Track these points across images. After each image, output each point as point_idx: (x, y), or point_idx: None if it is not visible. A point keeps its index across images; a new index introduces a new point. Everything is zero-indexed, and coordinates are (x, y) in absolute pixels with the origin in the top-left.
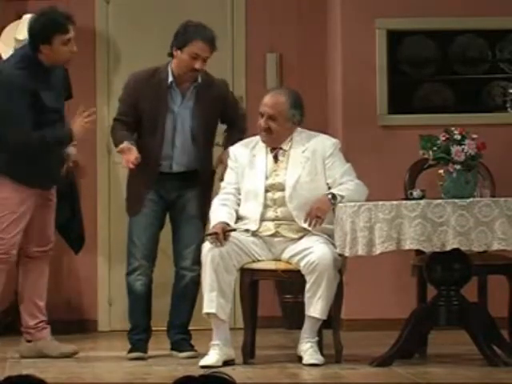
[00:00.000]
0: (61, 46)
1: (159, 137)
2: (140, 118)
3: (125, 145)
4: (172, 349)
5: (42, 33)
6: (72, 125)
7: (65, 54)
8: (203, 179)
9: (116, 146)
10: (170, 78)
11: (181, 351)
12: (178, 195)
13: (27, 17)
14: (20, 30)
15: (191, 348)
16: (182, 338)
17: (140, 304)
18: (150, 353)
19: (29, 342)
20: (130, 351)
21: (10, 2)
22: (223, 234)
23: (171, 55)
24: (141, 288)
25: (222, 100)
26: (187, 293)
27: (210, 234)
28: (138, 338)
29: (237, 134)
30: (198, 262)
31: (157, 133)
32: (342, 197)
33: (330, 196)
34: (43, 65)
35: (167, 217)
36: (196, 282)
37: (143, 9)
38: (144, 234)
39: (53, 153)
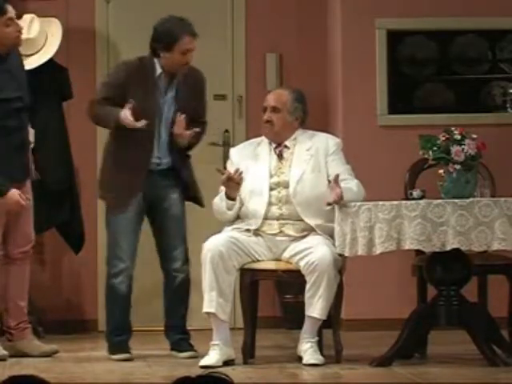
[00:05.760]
0: (4, 28)
1: (149, 131)
2: (122, 107)
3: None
4: (172, 349)
5: None
6: None
7: (12, 35)
8: (183, 178)
9: (110, 118)
10: (159, 70)
11: (181, 351)
12: (160, 196)
13: (27, 17)
14: None
15: (191, 348)
16: (181, 338)
17: (124, 305)
18: (150, 353)
19: (10, 341)
20: (115, 352)
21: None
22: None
23: (155, 55)
24: (125, 290)
25: (196, 88)
26: (181, 294)
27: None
28: (121, 339)
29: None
30: (187, 261)
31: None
32: (344, 194)
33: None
34: None
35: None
36: (188, 281)
37: (143, 9)
38: (129, 235)
39: (16, 143)
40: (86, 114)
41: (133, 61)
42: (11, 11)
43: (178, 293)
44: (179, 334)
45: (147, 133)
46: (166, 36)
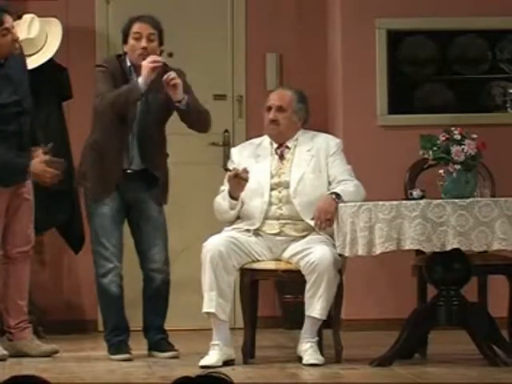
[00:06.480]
0: (1, 38)
1: (124, 128)
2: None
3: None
4: (152, 349)
5: None
6: (34, 162)
7: (8, 45)
8: (160, 180)
9: (125, 91)
10: (128, 64)
11: (162, 351)
12: (136, 197)
13: (27, 17)
14: (20, 30)
15: (172, 348)
16: (162, 338)
17: (118, 305)
18: (150, 353)
19: (10, 340)
20: (116, 353)
21: (10, 2)
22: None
23: (124, 53)
24: (117, 289)
25: None
26: (160, 294)
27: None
28: (120, 339)
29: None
30: (167, 261)
31: (122, 124)
32: (343, 196)
33: (333, 196)
34: None
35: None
36: (167, 282)
37: (143, 9)
38: (112, 235)
39: (14, 146)
40: (98, 110)
41: (111, 58)
42: (8, 21)
43: (157, 294)
44: (160, 333)
45: (121, 133)
46: (122, 31)
